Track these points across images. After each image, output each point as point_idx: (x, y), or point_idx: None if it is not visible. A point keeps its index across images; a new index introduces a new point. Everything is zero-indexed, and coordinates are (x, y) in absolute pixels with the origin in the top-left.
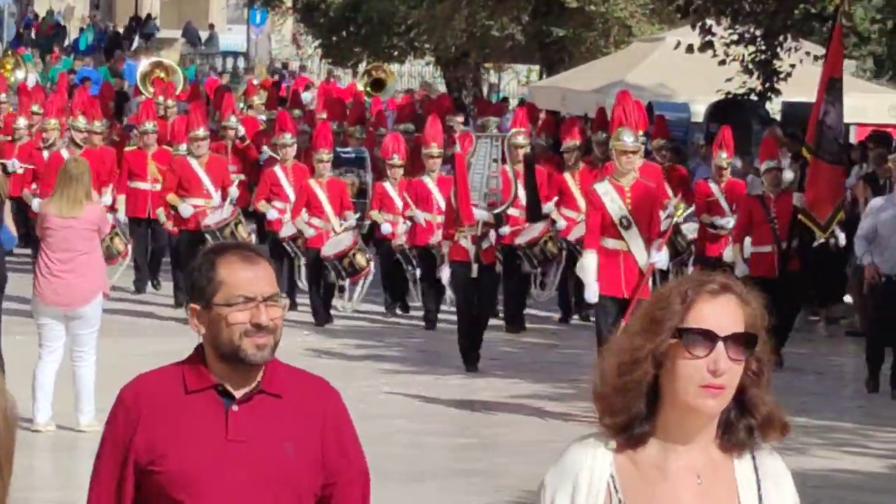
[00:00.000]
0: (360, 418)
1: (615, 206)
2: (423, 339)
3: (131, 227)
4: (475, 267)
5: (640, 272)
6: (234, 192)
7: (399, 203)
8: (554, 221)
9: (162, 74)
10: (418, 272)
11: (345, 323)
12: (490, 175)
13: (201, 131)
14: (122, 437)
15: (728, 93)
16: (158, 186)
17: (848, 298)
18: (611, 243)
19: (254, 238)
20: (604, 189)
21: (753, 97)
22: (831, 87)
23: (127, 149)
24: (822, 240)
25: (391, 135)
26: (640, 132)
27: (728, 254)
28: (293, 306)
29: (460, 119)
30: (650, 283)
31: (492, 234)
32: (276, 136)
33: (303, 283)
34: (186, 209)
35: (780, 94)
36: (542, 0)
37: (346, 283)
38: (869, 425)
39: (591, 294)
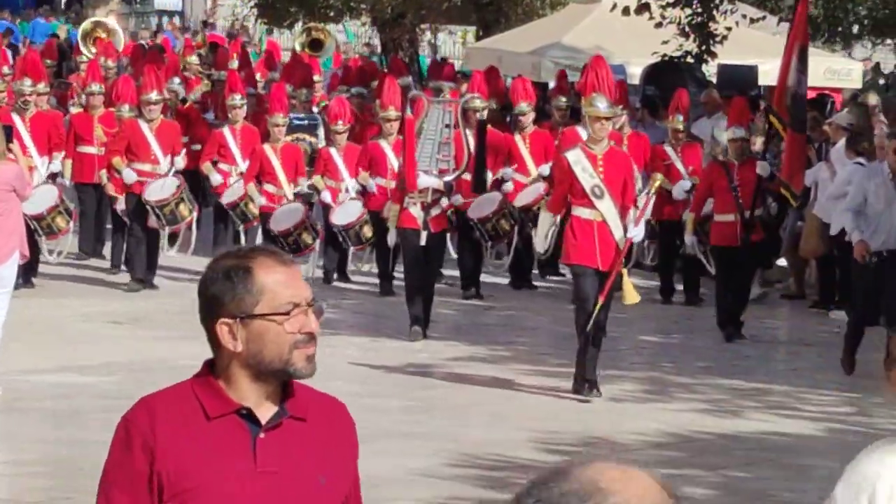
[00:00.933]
0: (305, 380)
1: (586, 174)
2: (359, 301)
3: (78, 192)
4: (424, 234)
5: (616, 245)
6: (179, 162)
7: (344, 170)
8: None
9: (104, 35)
10: (351, 250)
11: None
12: (443, 141)
13: (154, 95)
14: (140, 466)
15: (664, 55)
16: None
17: (782, 262)
18: (585, 213)
19: (195, 216)
20: (575, 157)
21: (689, 59)
22: (801, 56)
23: (72, 111)
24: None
25: (336, 99)
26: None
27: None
28: None
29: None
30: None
31: (443, 201)
32: (226, 97)
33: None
34: (130, 175)
35: (716, 56)
36: None
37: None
38: (802, 388)
39: (539, 245)
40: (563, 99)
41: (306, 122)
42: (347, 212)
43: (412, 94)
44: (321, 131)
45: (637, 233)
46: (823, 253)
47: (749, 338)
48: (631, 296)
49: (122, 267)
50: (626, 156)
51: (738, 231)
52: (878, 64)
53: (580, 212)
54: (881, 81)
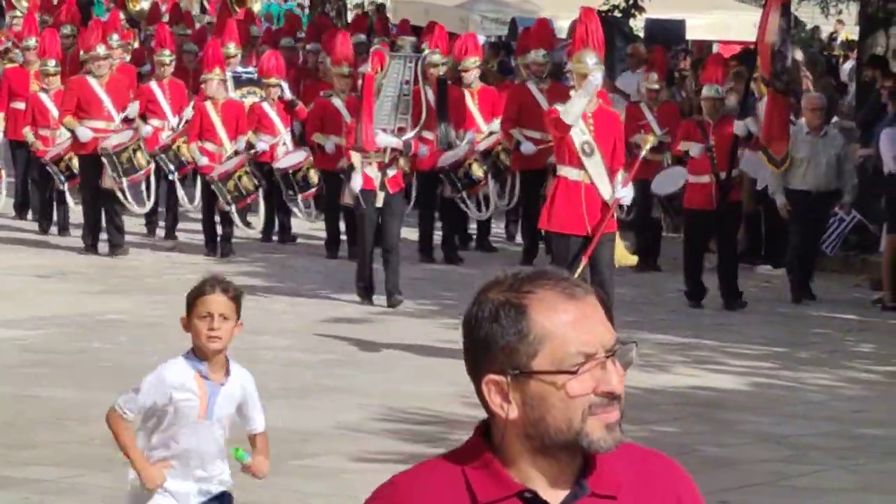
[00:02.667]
0: None
1: (577, 130)
2: (285, 255)
3: (12, 149)
4: (381, 195)
5: (605, 204)
6: (133, 110)
7: (280, 124)
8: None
9: None
10: (300, 197)
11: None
12: (402, 97)
13: (101, 49)
14: None
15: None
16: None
17: None
18: (573, 174)
19: (152, 167)
20: (564, 111)
21: (617, 14)
22: (784, 13)
23: (7, 66)
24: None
25: (269, 53)
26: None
27: None
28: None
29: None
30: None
31: (400, 160)
32: (155, 51)
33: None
34: (85, 133)
35: (644, 11)
36: None
37: (233, 208)
38: (729, 343)
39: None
40: (543, 52)
41: (255, 75)
42: (292, 156)
43: (373, 47)
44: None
45: (626, 194)
46: (751, 209)
47: (676, 292)
48: (624, 257)
49: (52, 230)
50: (616, 115)
51: (713, 193)
52: (795, 18)
53: (567, 172)
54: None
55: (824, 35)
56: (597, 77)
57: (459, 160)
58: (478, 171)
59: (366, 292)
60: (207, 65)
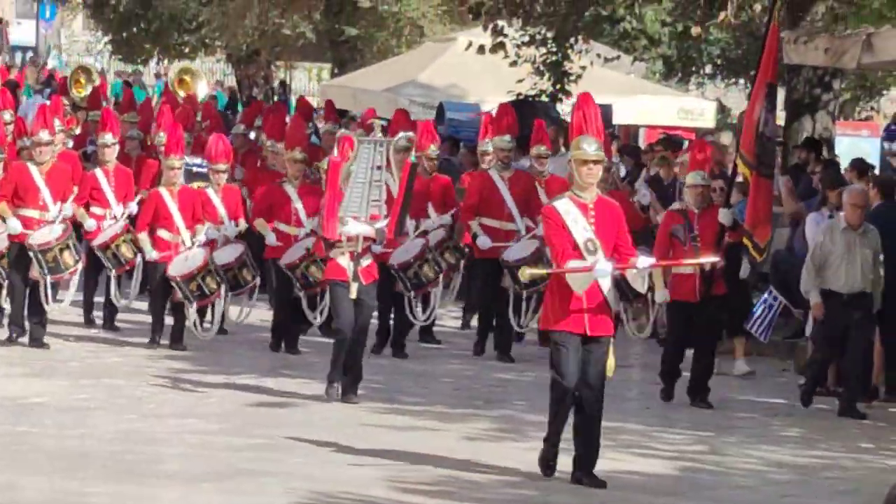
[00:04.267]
0: (151, 417)
1: (578, 227)
2: (214, 339)
3: None
4: (354, 287)
5: (606, 304)
6: (68, 209)
7: (223, 212)
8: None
9: None
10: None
11: (139, 319)
12: (373, 183)
13: (45, 135)
14: None
15: (519, 94)
16: None
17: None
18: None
19: (79, 266)
20: (565, 207)
21: (545, 98)
22: (770, 93)
23: None
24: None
25: (216, 136)
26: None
27: None
28: (111, 325)
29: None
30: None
31: (374, 248)
32: (97, 135)
33: (117, 300)
34: (14, 224)
35: (571, 95)
36: None
37: (193, 306)
38: (655, 427)
39: (601, 268)
40: (507, 138)
41: (206, 167)
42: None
43: (339, 132)
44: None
45: (643, 263)
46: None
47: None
48: (611, 367)
49: None
50: (615, 205)
51: (696, 285)
52: (718, 101)
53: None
54: (728, 121)
55: None
56: (604, 267)
57: (409, 260)
58: (429, 272)
59: (332, 384)
60: (169, 150)
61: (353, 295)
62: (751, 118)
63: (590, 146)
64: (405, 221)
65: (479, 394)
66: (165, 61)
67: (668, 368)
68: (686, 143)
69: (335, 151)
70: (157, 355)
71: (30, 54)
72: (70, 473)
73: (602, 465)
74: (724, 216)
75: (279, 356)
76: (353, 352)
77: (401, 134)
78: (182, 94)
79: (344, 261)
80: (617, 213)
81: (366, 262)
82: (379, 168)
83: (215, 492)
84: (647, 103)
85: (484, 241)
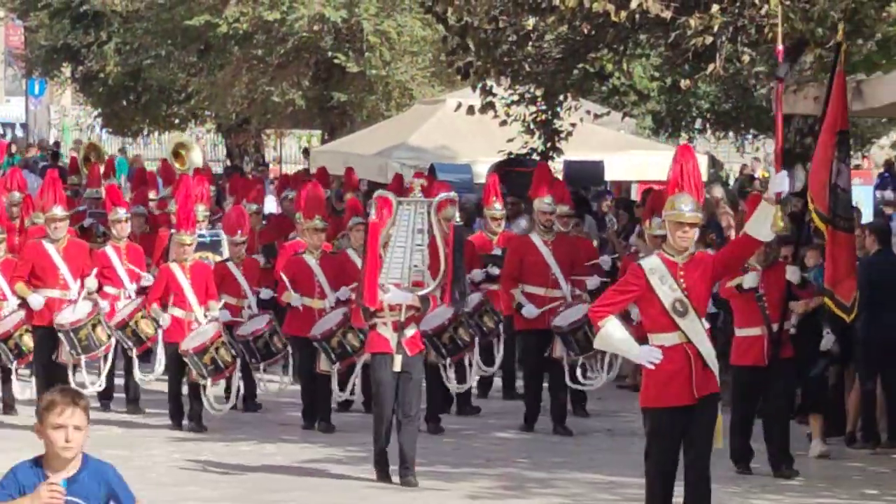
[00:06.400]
0: (152, 486)
1: (665, 288)
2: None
3: None
4: (398, 359)
5: (708, 369)
6: (91, 283)
7: (245, 285)
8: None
9: None
10: (262, 365)
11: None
12: (415, 248)
13: (59, 211)
14: None
15: (510, 153)
16: None
17: None
18: (667, 340)
19: (112, 342)
20: (651, 265)
21: (535, 157)
22: (841, 142)
23: None
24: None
25: (234, 208)
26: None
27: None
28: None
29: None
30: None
31: (419, 318)
32: (109, 211)
33: (141, 380)
34: (37, 301)
35: (562, 152)
36: (322, 65)
37: (208, 382)
38: None
39: (643, 353)
40: (549, 199)
41: (208, 239)
42: (254, 322)
43: (377, 192)
44: (225, 248)
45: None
46: None
47: (605, 431)
48: (719, 433)
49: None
50: (706, 258)
51: (764, 348)
52: (709, 155)
53: (660, 340)
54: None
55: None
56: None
57: (444, 324)
58: (464, 335)
59: (382, 466)
60: (180, 225)
61: (398, 367)
62: (820, 169)
63: (687, 206)
64: (464, 288)
65: (479, 451)
66: (156, 133)
67: (738, 437)
68: None
69: (373, 214)
70: (157, 424)
71: (19, 131)
72: None
73: None
74: (791, 273)
75: (272, 422)
76: (405, 429)
77: (442, 195)
78: (179, 166)
79: (386, 331)
80: (707, 268)
81: (410, 332)
82: (420, 231)
83: None
84: (638, 158)
85: (530, 311)
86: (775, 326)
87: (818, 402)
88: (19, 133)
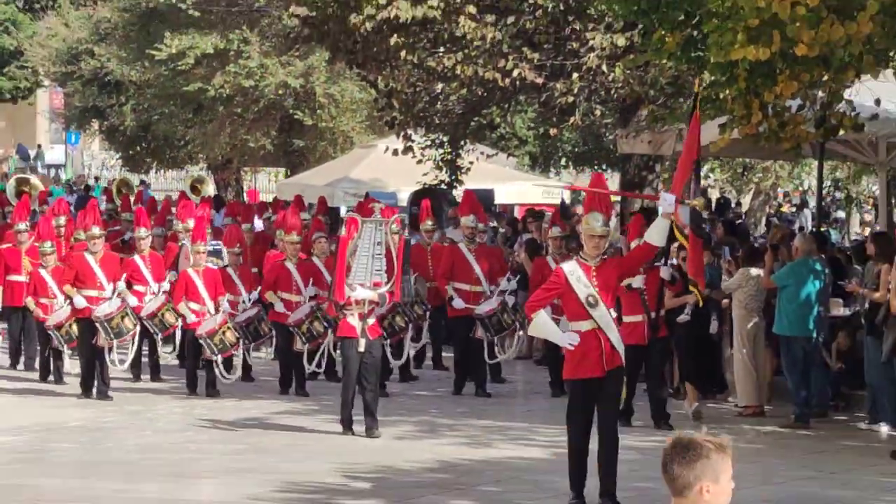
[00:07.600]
0: (159, 432)
1: (580, 285)
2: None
3: (7, 313)
4: (362, 342)
5: (613, 347)
6: (121, 285)
7: (241, 286)
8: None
9: (25, 188)
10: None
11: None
12: (375, 255)
13: (97, 230)
14: None
15: (424, 184)
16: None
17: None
18: (583, 326)
19: (137, 329)
20: (570, 268)
21: (443, 186)
22: (696, 170)
23: (2, 246)
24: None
25: (231, 226)
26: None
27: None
28: (157, 376)
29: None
30: None
31: (377, 310)
32: (135, 230)
33: (163, 357)
34: (80, 301)
35: (463, 183)
36: (286, 119)
37: (219, 357)
38: (536, 423)
39: (563, 339)
40: (473, 217)
41: (211, 248)
42: (247, 313)
43: (347, 214)
44: (225, 256)
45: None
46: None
47: (493, 393)
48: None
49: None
50: (613, 262)
51: (645, 331)
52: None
53: (576, 326)
54: (579, 198)
55: None
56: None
57: (384, 313)
58: (400, 321)
59: (347, 424)
60: (196, 237)
61: (362, 349)
62: (678, 192)
63: (597, 222)
64: (408, 286)
65: (403, 404)
66: (163, 170)
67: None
68: (548, 216)
69: (342, 230)
70: (166, 388)
71: (59, 170)
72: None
73: (498, 454)
74: (664, 272)
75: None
76: (373, 393)
77: (394, 216)
78: (195, 197)
79: (354, 320)
80: (613, 271)
81: (371, 321)
82: (379, 243)
83: (211, 485)
84: (519, 187)
85: (458, 303)
86: (653, 314)
87: (690, 374)
88: (62, 174)
